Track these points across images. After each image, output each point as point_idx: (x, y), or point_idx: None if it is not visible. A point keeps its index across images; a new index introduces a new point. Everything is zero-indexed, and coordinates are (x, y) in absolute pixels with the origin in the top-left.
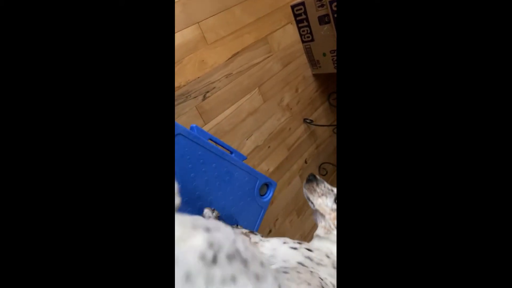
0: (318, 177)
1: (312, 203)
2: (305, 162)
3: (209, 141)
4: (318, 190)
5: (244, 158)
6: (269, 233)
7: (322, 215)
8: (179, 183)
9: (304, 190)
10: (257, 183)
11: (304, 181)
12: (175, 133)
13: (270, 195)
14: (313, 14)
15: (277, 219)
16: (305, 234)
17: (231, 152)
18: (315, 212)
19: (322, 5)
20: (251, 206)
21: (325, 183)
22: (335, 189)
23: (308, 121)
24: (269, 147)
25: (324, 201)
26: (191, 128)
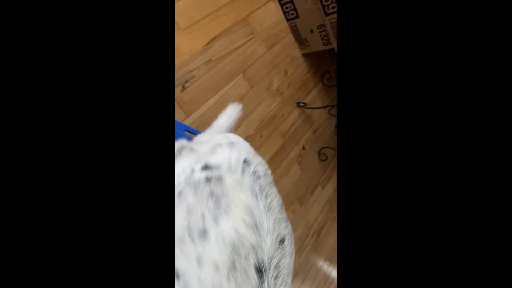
0: None
1: None
2: (303, 148)
3: (186, 133)
4: None
5: None
6: None
7: None
8: None
9: None
10: None
11: None
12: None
13: None
14: None
15: None
16: (310, 223)
17: None
18: None
19: None
20: None
21: None
22: None
23: (301, 104)
24: (261, 136)
25: None
26: None
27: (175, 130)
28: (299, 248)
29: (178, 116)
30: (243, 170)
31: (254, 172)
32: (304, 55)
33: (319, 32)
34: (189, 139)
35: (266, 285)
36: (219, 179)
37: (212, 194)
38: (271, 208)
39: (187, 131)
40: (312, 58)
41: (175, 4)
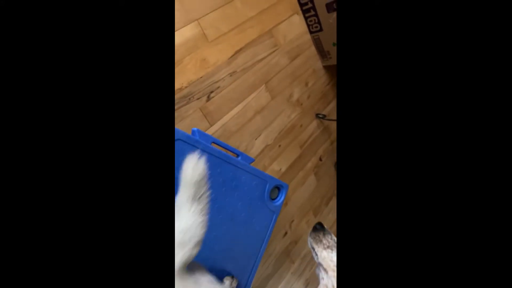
0: (325, 227)
1: (316, 254)
2: (320, 159)
3: (213, 144)
4: (324, 241)
5: (252, 160)
6: (284, 235)
7: (325, 270)
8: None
9: (309, 239)
10: (267, 186)
11: (311, 230)
12: (174, 139)
13: (282, 198)
14: (320, 1)
15: (292, 221)
16: None
17: (238, 155)
18: (318, 265)
19: None
20: (262, 212)
21: (332, 235)
22: None
23: (320, 116)
24: (280, 146)
25: (329, 255)
26: (193, 132)
27: (202, 142)
28: (312, 257)
29: (202, 125)
30: None
31: None
32: (325, 67)
33: None
34: (216, 151)
35: None
36: None
37: None
38: None
39: (213, 142)
40: (333, 71)
41: (205, 17)
